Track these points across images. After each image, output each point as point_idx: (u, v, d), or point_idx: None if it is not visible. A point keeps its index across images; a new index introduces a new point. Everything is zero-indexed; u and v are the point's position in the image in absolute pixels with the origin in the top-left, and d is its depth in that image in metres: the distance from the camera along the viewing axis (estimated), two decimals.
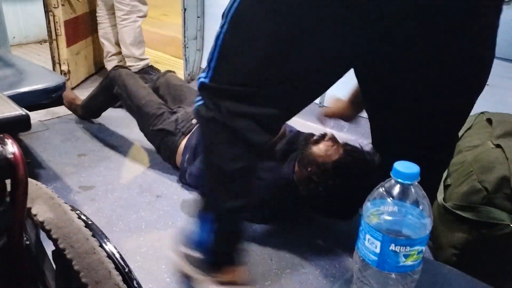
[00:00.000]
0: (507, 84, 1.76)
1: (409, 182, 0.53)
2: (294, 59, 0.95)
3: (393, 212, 0.55)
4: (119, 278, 0.59)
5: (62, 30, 2.51)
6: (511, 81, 1.75)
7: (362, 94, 1.13)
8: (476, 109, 1.73)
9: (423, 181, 0.81)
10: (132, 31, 2.57)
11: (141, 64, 2.67)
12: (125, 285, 0.59)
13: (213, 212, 1.13)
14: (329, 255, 1.47)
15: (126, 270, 0.63)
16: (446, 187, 1.39)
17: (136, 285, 0.63)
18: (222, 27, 1.00)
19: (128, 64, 2.63)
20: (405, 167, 0.53)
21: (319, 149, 1.45)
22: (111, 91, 1.98)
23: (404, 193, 0.55)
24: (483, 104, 1.81)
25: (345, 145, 1.47)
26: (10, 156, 0.54)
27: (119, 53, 2.72)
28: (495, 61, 1.78)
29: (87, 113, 2.24)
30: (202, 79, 1.08)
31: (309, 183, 1.44)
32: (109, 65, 2.70)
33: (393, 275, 0.57)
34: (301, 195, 1.49)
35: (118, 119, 2.32)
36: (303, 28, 0.91)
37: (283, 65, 0.96)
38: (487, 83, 1.84)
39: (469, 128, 1.59)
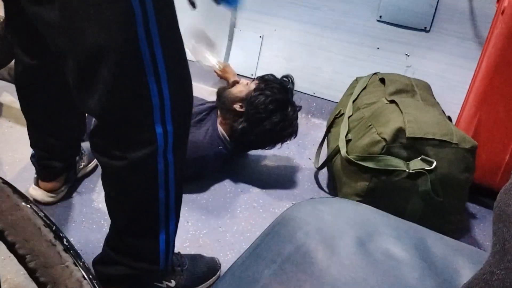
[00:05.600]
0: (394, 48, 1.93)
1: None
2: None
3: None
4: (51, 235, 0.54)
5: None
6: (398, 45, 1.93)
7: None
8: (369, 70, 1.87)
9: None
10: None
11: None
12: (58, 242, 0.54)
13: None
14: (244, 213, 1.50)
15: (54, 228, 0.58)
16: (347, 141, 1.50)
17: (67, 243, 0.58)
18: None
19: None
20: None
21: (237, 87, 1.63)
22: None
23: None
24: (375, 65, 1.97)
25: (257, 78, 1.66)
26: None
27: None
28: (383, 26, 1.93)
29: None
30: None
31: (239, 118, 1.58)
32: None
33: None
34: (230, 148, 1.62)
35: None
36: None
37: None
38: (378, 47, 2.00)
39: (364, 88, 1.72)
